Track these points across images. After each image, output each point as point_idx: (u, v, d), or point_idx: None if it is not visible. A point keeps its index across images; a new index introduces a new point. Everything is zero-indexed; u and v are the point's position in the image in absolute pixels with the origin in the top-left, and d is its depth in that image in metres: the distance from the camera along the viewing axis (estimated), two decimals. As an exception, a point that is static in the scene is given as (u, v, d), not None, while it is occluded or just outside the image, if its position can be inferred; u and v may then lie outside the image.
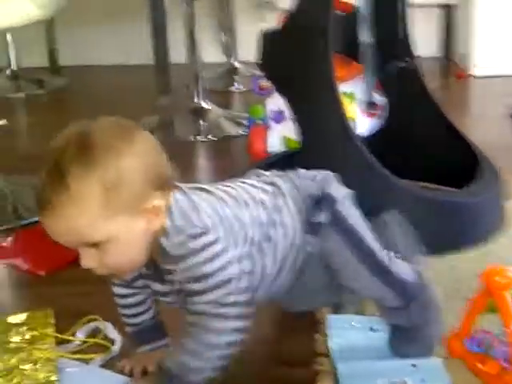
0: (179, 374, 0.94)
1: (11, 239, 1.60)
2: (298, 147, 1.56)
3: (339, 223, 1.03)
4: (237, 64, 2.98)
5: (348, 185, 1.39)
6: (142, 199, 0.88)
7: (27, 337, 1.16)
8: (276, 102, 1.82)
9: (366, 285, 1.03)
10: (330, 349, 1.11)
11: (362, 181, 1.39)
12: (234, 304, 0.93)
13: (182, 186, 0.97)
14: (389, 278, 1.03)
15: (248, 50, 2.92)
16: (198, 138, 2.24)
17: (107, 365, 1.13)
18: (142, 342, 1.09)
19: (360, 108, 1.74)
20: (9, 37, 2.99)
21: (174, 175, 0.94)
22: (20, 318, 1.24)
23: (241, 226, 0.98)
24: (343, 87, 1.44)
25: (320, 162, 1.42)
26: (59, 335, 1.18)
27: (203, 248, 0.92)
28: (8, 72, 3.01)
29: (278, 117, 1.84)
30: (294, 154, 1.55)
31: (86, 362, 1.13)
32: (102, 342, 1.18)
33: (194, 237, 0.91)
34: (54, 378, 1.06)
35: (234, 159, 2.13)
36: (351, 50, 1.60)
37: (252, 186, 1.04)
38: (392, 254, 1.06)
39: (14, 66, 3.02)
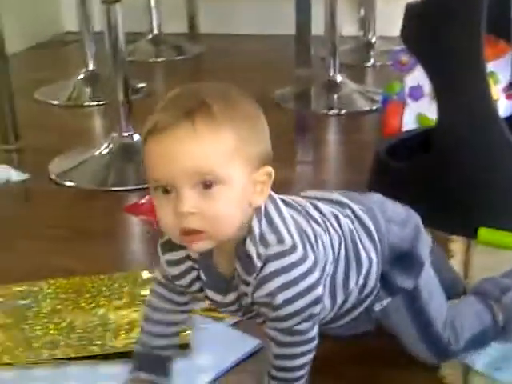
0: None
1: (148, 197, 1.67)
2: (433, 125, 1.54)
3: (413, 299, 0.98)
4: (373, 39, 2.95)
5: (487, 167, 1.38)
6: (259, 164, 0.83)
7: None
8: (415, 78, 1.80)
9: (412, 344, 1.01)
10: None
11: (505, 167, 1.37)
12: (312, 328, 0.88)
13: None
14: (435, 347, 1.00)
15: (385, 24, 2.89)
16: (331, 111, 2.25)
17: (237, 325, 1.14)
18: (145, 368, 0.98)
19: (502, 89, 1.70)
20: (152, 3, 3.09)
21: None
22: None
23: (323, 251, 0.90)
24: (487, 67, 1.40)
25: (459, 143, 1.41)
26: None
27: (290, 268, 0.84)
28: (150, 37, 3.11)
29: (417, 93, 1.82)
30: (429, 132, 1.52)
31: (218, 320, 1.15)
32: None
33: (283, 255, 0.84)
34: (186, 332, 1.09)
35: (365, 135, 2.12)
36: (497, 29, 1.54)
37: (334, 215, 0.95)
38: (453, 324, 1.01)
39: (155, 32, 3.12)
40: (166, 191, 0.81)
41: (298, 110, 1.84)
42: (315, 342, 0.88)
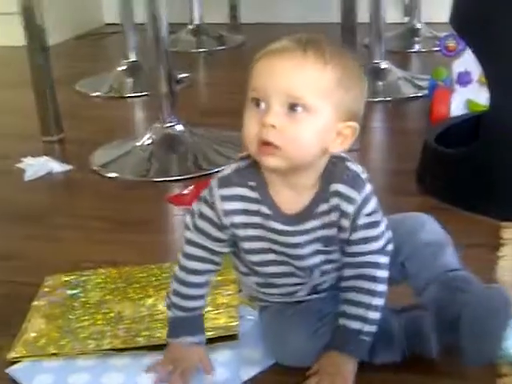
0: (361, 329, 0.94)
1: (192, 188, 1.65)
2: (483, 111, 1.49)
3: None
4: (418, 25, 2.89)
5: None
6: (348, 117, 0.89)
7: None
8: (463, 64, 1.76)
9: None
10: None
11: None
12: (390, 253, 0.97)
13: None
14: None
15: (431, 10, 2.84)
16: (376, 98, 2.20)
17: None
18: (186, 331, 0.99)
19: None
20: (193, -7, 3.08)
21: None
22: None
23: None
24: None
25: (510, 125, 1.36)
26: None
27: (372, 195, 0.93)
28: (191, 27, 3.10)
29: (465, 79, 1.78)
30: (479, 118, 1.47)
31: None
32: None
33: (368, 181, 0.93)
34: (234, 323, 1.07)
35: (412, 122, 2.08)
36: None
37: None
38: None
39: (196, 22, 3.10)
40: (258, 105, 0.88)
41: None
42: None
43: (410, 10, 2.92)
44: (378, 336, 0.97)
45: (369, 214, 0.92)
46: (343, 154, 0.93)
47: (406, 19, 2.95)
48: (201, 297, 0.99)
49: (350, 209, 0.91)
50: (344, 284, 0.97)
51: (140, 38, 2.50)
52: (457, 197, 1.45)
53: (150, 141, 1.84)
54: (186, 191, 1.64)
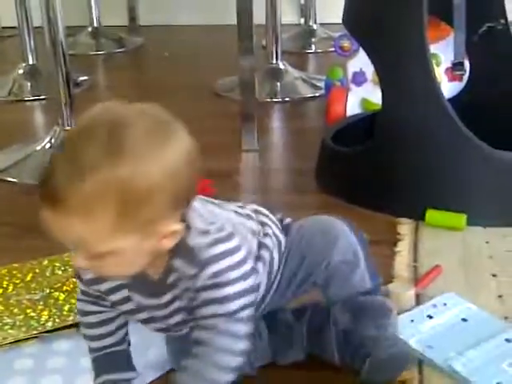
0: None
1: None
2: (378, 109, 1.55)
3: None
4: (314, 26, 2.96)
5: (433, 148, 1.39)
6: (161, 222, 0.77)
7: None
8: (358, 63, 1.82)
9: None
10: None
11: (450, 148, 1.38)
12: (246, 320, 0.84)
13: None
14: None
15: (326, 11, 2.91)
16: (274, 98, 2.25)
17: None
18: (104, 370, 0.94)
19: (444, 71, 1.73)
20: (91, -4, 3.05)
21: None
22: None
23: (248, 238, 0.91)
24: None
25: (403, 124, 1.42)
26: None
27: (230, 253, 0.83)
28: (90, 30, 3.07)
29: (359, 78, 1.83)
30: (373, 116, 1.54)
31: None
32: None
33: (221, 240, 0.82)
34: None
35: (310, 122, 2.13)
36: (440, 11, 1.56)
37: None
38: None
39: (95, 25, 3.07)
40: None
41: (241, 98, 1.83)
42: (246, 344, 0.85)
43: (306, 11, 2.98)
44: (280, 337, 1.00)
45: (212, 276, 0.81)
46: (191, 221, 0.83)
47: (302, 20, 3.02)
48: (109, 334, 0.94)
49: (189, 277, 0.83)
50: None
51: (38, 41, 2.47)
52: (354, 194, 1.49)
53: (49, 144, 1.82)
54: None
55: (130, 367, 0.96)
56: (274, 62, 2.36)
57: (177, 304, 0.87)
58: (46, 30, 1.74)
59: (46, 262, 1.30)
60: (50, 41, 1.74)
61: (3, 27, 3.29)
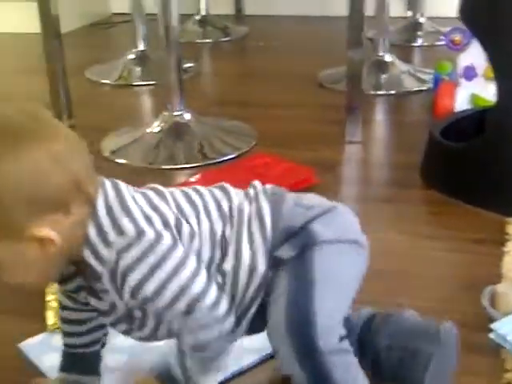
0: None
1: (198, 177, 1.69)
2: (489, 105, 1.52)
3: (298, 265, 0.82)
4: (421, 19, 2.92)
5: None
6: (27, 226, 0.73)
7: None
8: (468, 58, 1.79)
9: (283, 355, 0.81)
10: None
11: None
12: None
13: (122, 185, 0.82)
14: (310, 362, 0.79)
15: (434, 5, 2.87)
16: (379, 91, 2.24)
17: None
18: (67, 368, 0.92)
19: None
20: (200, -15, 3.11)
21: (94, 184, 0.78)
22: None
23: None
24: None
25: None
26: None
27: (145, 254, 0.77)
28: (197, 18, 3.12)
29: (470, 73, 1.80)
30: (484, 112, 1.51)
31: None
32: None
33: (129, 246, 0.76)
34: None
35: (415, 115, 2.11)
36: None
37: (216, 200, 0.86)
38: (347, 343, 0.81)
39: (203, 13, 3.13)
40: None
41: (346, 90, 1.83)
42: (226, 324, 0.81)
43: (414, 4, 2.95)
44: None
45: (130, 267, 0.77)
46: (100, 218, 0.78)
47: (409, 13, 2.98)
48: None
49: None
50: None
51: (148, 27, 2.54)
52: (461, 191, 1.47)
53: (158, 128, 1.88)
54: (193, 179, 1.68)
55: (94, 371, 0.93)
56: (381, 54, 2.34)
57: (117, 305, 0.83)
58: (160, 17, 1.79)
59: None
60: (164, 28, 1.79)
61: (114, 13, 3.40)
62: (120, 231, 0.77)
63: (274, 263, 0.83)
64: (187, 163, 1.76)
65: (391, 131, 2.04)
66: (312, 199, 0.90)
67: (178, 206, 0.83)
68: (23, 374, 1.01)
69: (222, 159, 1.78)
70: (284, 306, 0.80)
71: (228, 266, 0.83)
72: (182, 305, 0.78)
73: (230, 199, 0.87)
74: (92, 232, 0.77)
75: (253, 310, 0.85)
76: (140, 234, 0.77)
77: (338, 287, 0.83)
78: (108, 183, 0.81)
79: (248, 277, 0.83)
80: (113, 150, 1.84)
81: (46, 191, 0.73)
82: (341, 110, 1.86)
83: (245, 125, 1.97)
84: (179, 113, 1.87)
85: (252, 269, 0.83)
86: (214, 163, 1.76)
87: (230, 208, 0.86)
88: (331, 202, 0.90)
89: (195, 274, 0.79)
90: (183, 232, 0.81)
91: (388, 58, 2.35)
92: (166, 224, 0.79)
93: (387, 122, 2.12)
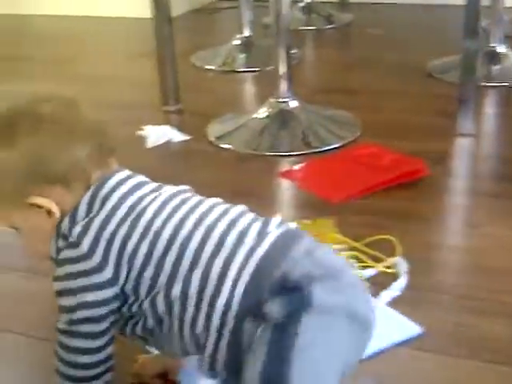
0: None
1: (302, 165, 1.67)
2: None
3: (282, 335, 0.75)
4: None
5: None
6: (21, 193, 0.83)
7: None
8: None
9: None
10: None
11: None
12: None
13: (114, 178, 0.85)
14: None
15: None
16: (490, 83, 2.16)
17: (396, 305, 1.11)
18: None
19: None
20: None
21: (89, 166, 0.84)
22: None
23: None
24: None
25: None
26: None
27: (72, 246, 0.82)
28: (301, 5, 3.10)
29: None
30: None
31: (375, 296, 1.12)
32: (387, 270, 1.19)
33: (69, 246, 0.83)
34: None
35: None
36: None
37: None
38: None
39: (307, 0, 3.10)
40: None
41: (456, 80, 1.78)
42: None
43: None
44: None
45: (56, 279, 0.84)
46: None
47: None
48: None
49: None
50: None
51: (254, 14, 2.54)
52: None
53: (265, 115, 1.87)
54: (296, 167, 1.67)
55: None
56: (494, 45, 2.26)
57: None
58: (271, 3, 1.78)
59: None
60: (275, 14, 1.78)
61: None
62: (71, 232, 0.82)
63: (259, 317, 0.77)
64: (291, 151, 1.75)
65: (502, 124, 1.97)
66: (325, 255, 0.81)
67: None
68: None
69: (325, 148, 1.76)
70: (258, 371, 0.74)
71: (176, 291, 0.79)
72: (63, 318, 0.83)
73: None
74: (66, 219, 0.84)
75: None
76: (78, 243, 0.81)
77: (316, 369, 0.75)
78: (114, 180, 0.85)
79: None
80: (218, 135, 1.85)
81: (49, 165, 0.82)
82: (450, 100, 1.81)
83: (349, 114, 1.94)
84: (286, 100, 1.86)
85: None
86: (318, 152, 1.74)
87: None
88: (344, 264, 0.84)
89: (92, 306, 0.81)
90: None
91: (501, 48, 2.27)
92: (107, 249, 0.81)
93: (498, 115, 2.05)
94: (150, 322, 0.81)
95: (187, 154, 1.80)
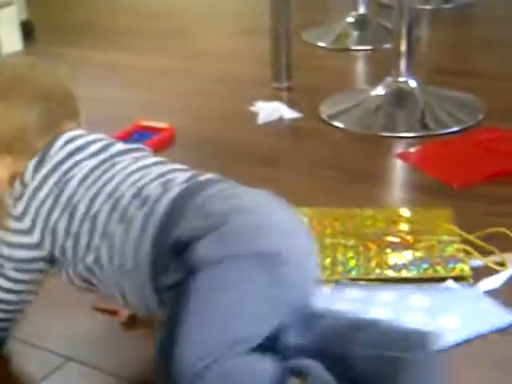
0: None
1: (419, 147, 1.60)
2: None
3: (179, 295, 0.79)
4: None
5: None
6: None
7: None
8: None
9: None
10: None
11: None
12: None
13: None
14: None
15: None
16: None
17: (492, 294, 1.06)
18: None
19: None
20: None
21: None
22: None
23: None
24: None
25: None
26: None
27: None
28: (419, -17, 2.99)
29: None
30: None
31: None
32: (494, 266, 1.12)
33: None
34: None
35: None
36: None
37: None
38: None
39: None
40: None
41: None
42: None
43: None
44: None
45: None
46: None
47: None
48: None
49: None
50: None
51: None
52: None
53: (381, 94, 1.80)
54: (412, 150, 1.60)
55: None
56: None
57: None
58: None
59: (369, 213, 1.28)
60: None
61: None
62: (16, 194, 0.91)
63: (161, 289, 0.83)
64: (407, 132, 1.68)
65: None
66: (218, 204, 0.84)
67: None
68: None
69: (444, 131, 1.67)
70: (160, 335, 0.79)
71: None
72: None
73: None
74: (17, 181, 0.91)
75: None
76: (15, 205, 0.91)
77: (211, 317, 0.77)
78: (61, 140, 0.91)
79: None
80: (331, 113, 1.80)
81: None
82: None
83: (471, 97, 1.84)
84: (404, 79, 1.78)
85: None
86: (435, 135, 1.66)
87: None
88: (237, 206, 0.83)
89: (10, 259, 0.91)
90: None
91: None
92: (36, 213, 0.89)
93: None
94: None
95: (298, 131, 1.76)
